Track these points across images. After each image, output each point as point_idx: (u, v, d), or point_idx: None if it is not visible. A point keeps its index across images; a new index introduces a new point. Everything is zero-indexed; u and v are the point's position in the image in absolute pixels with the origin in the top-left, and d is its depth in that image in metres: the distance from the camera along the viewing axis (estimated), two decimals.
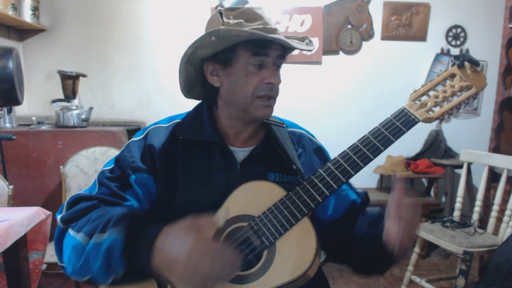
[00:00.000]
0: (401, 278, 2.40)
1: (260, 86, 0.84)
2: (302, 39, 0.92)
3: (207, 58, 0.88)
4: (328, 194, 0.77)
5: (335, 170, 0.78)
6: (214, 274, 0.64)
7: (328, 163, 0.79)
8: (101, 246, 0.68)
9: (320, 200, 0.77)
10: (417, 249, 2.24)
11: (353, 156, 0.77)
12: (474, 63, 0.78)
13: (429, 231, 2.15)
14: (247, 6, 0.88)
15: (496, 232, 2.15)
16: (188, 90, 0.96)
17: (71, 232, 0.77)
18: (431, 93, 0.80)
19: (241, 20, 0.82)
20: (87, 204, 0.81)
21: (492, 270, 1.72)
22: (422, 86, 0.81)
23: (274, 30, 0.84)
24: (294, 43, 0.86)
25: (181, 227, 0.68)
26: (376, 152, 0.76)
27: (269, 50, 0.83)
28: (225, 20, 0.84)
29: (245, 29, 0.79)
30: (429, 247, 2.95)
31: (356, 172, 0.77)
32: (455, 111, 0.79)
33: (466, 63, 0.78)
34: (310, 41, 0.92)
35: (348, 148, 0.79)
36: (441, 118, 0.79)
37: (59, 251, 0.80)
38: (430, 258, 2.94)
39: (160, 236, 0.68)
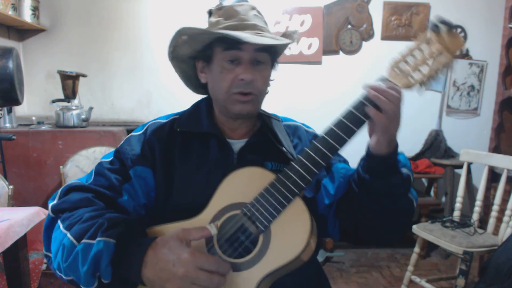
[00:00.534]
0: (401, 278, 2.40)
1: (235, 83, 0.85)
2: (289, 36, 0.91)
3: (197, 56, 0.91)
4: (316, 171, 0.76)
5: (320, 147, 0.77)
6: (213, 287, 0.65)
7: (313, 141, 0.78)
8: (90, 251, 0.67)
9: (310, 179, 0.76)
10: (417, 249, 2.24)
11: (336, 130, 0.76)
12: (448, 25, 0.77)
13: (429, 231, 2.15)
14: (230, 4, 0.89)
15: (496, 232, 2.15)
16: (193, 86, 1.00)
17: (61, 226, 0.75)
18: (409, 60, 0.79)
19: (219, 19, 0.86)
20: (81, 196, 0.80)
21: (492, 270, 1.72)
22: (400, 54, 0.81)
23: (252, 26, 0.85)
24: (255, 38, 0.82)
25: (174, 239, 0.67)
26: (359, 123, 0.75)
27: (242, 45, 0.83)
28: (211, 19, 0.88)
29: (208, 29, 0.82)
30: (429, 247, 2.95)
31: (341, 146, 0.76)
32: (435, 75, 0.78)
33: (440, 26, 0.78)
34: (294, 32, 0.91)
35: (331, 124, 0.78)
36: (421, 83, 0.78)
37: (46, 240, 0.78)
38: (430, 258, 2.94)
39: (152, 248, 0.67)
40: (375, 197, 0.80)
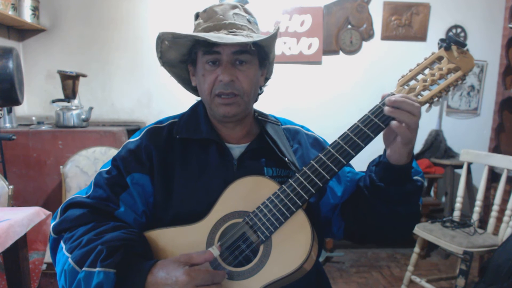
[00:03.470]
0: (401, 278, 2.40)
1: (216, 84, 0.85)
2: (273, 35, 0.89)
3: (186, 60, 0.92)
4: (320, 185, 0.76)
5: (326, 161, 0.77)
6: None
7: (319, 154, 0.78)
8: (91, 281, 0.68)
9: (314, 191, 0.76)
10: (417, 249, 2.24)
11: (344, 145, 0.76)
12: (461, 44, 0.77)
13: (429, 231, 2.15)
14: (212, 5, 0.89)
15: (496, 232, 2.15)
16: (191, 89, 1.00)
17: (63, 247, 0.76)
18: (419, 77, 0.79)
19: (200, 21, 0.87)
20: (78, 212, 0.80)
21: (492, 270, 1.72)
22: (410, 71, 0.80)
23: (228, 25, 0.85)
24: (224, 37, 0.80)
25: (172, 262, 0.69)
26: (367, 140, 0.75)
27: (219, 48, 0.83)
28: (196, 22, 0.89)
29: (179, 33, 0.82)
30: (429, 247, 2.95)
31: (347, 161, 0.76)
32: (445, 94, 0.78)
33: (453, 45, 0.77)
34: (275, 28, 0.88)
35: (338, 138, 0.78)
36: (430, 101, 0.78)
37: (54, 261, 0.80)
38: (430, 258, 2.94)
39: (151, 273, 0.69)
40: (388, 203, 0.81)
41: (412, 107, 0.72)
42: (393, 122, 0.73)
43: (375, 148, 0.89)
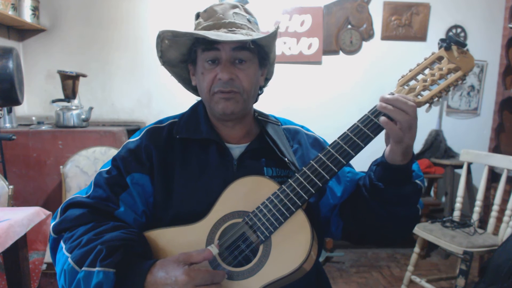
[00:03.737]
0: (401, 278, 2.40)
1: (215, 82, 0.85)
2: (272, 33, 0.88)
3: (187, 60, 0.92)
4: (320, 185, 0.76)
5: (326, 161, 0.77)
6: None
7: (319, 154, 0.78)
8: (91, 281, 0.68)
9: (313, 192, 0.76)
10: (417, 249, 2.24)
11: (343, 145, 0.76)
12: (461, 44, 0.77)
13: (429, 231, 2.15)
14: (212, 4, 0.90)
15: (496, 232, 2.15)
16: (192, 89, 1.00)
17: (63, 247, 0.76)
18: (420, 77, 0.79)
19: (201, 20, 0.88)
20: (78, 212, 0.81)
21: (492, 270, 1.72)
22: (410, 71, 0.80)
23: (228, 24, 0.85)
24: (223, 35, 0.81)
25: (172, 262, 0.69)
26: (367, 140, 0.75)
27: (219, 45, 0.83)
28: (196, 21, 0.90)
29: (179, 31, 0.82)
30: (429, 247, 2.95)
31: (347, 161, 0.76)
32: (445, 94, 0.78)
33: (453, 45, 0.77)
34: (275, 29, 0.87)
35: (338, 138, 0.78)
36: (430, 101, 0.78)
37: (54, 261, 0.80)
38: (430, 258, 2.94)
39: (151, 272, 0.69)
40: (385, 204, 0.81)
41: (406, 105, 0.71)
42: (382, 118, 0.73)
43: (375, 148, 0.90)
